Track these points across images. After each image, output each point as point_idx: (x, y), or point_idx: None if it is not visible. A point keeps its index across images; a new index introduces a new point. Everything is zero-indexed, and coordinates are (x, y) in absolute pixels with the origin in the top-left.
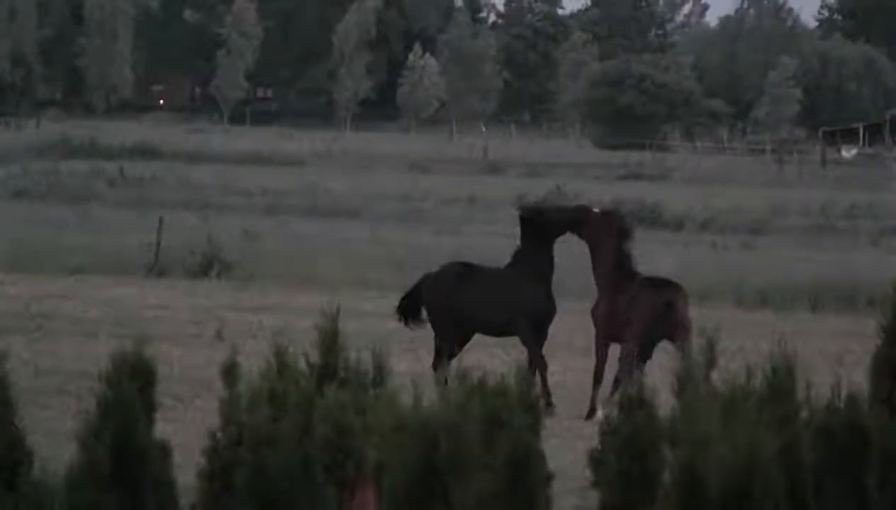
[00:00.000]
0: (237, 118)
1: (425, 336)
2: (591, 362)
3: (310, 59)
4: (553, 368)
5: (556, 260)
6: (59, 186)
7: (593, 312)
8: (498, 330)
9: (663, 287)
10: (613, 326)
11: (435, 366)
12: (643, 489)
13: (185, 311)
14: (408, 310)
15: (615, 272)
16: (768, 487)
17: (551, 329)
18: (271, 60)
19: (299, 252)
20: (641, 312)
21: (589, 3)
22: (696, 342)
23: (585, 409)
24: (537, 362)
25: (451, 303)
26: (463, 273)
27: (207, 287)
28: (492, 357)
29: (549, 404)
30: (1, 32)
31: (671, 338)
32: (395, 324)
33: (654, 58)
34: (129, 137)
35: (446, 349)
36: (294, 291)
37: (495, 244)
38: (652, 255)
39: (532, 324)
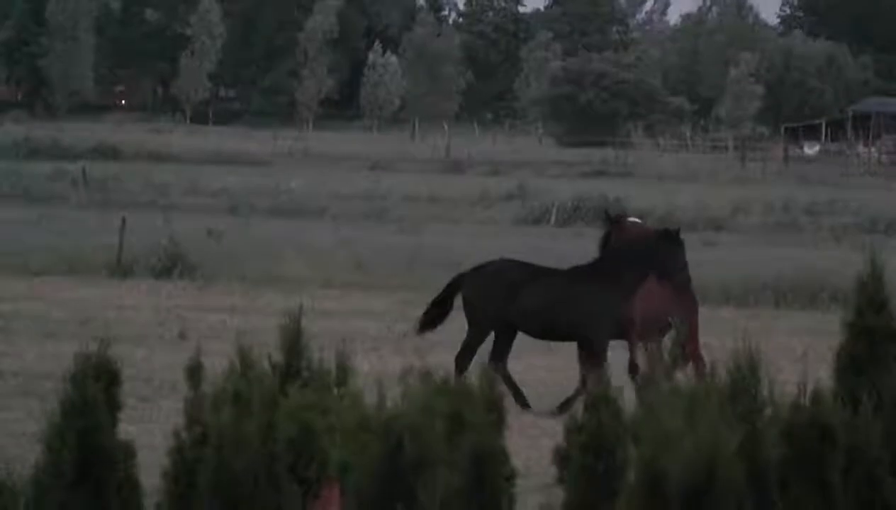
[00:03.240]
0: (199, 117)
1: (387, 336)
2: (555, 360)
3: (272, 58)
4: (519, 366)
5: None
6: (21, 187)
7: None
8: (564, 333)
9: None
10: None
11: (459, 363)
12: (608, 486)
13: (149, 312)
14: (437, 314)
15: None
16: (731, 484)
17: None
18: (234, 60)
19: (262, 251)
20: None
21: (551, 1)
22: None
23: (551, 406)
24: (590, 372)
25: (505, 302)
26: (521, 271)
27: (171, 287)
28: (452, 356)
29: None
30: None
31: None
32: (359, 322)
33: (615, 55)
34: (91, 138)
35: (475, 347)
36: (257, 291)
37: (458, 243)
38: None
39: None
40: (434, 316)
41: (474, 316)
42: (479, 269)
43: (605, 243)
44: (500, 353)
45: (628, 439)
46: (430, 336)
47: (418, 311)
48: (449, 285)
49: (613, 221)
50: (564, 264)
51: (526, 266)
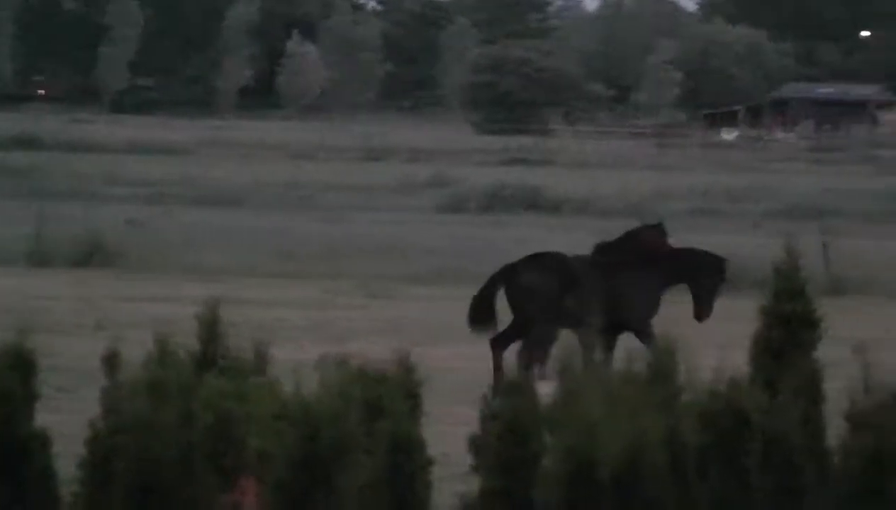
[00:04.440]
0: (118, 107)
1: (307, 325)
2: (479, 348)
3: (191, 47)
4: (442, 354)
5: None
6: None
7: None
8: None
9: None
10: None
11: (538, 358)
12: (523, 473)
13: (67, 302)
14: (488, 309)
15: None
16: (652, 470)
17: (442, 315)
18: (152, 49)
19: (183, 241)
20: None
21: None
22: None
23: (471, 395)
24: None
25: (566, 296)
26: (587, 263)
27: (89, 277)
28: (372, 344)
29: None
30: None
31: None
32: (281, 311)
33: (534, 42)
34: (10, 128)
35: (549, 341)
36: (178, 281)
37: (381, 231)
38: (535, 241)
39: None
40: (485, 311)
41: (531, 308)
42: (536, 261)
43: (627, 239)
44: (505, 342)
45: (544, 427)
46: (351, 324)
47: (342, 299)
48: (494, 277)
49: (656, 226)
50: (492, 251)
51: (576, 258)
